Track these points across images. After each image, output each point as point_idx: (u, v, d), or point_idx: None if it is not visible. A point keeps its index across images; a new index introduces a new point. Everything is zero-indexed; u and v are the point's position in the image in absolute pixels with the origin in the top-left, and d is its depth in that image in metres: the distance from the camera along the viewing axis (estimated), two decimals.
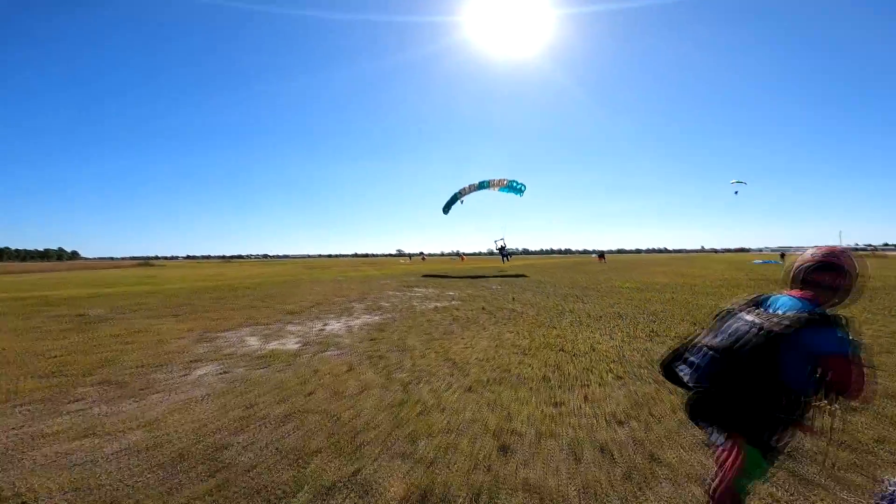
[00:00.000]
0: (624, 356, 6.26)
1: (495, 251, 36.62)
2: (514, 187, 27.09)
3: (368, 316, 10.60)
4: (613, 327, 8.51)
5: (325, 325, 9.23)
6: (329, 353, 6.70)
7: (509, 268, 37.47)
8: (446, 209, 30.03)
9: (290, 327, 8.87)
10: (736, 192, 43.33)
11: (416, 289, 18.30)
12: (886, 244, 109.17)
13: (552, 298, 13.52)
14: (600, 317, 9.74)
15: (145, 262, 65.17)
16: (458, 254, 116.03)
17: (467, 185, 28.67)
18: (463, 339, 7.79)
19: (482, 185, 27.81)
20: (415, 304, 13.05)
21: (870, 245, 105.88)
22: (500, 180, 27.26)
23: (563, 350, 6.74)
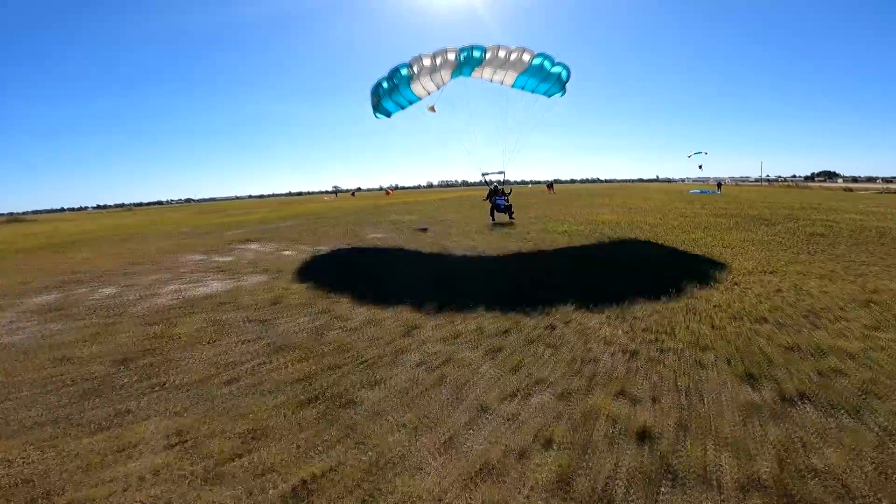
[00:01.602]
0: None
1: (486, 183, 15.63)
2: (545, 73, 10.72)
3: None
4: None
5: None
6: None
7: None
8: (380, 105, 11.42)
9: None
10: (700, 167, 43.36)
11: (250, 245, 11.77)
12: (794, 176, 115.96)
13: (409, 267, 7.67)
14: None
15: (14, 218, 51.21)
16: (387, 188, 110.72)
17: (428, 58, 10.53)
18: None
19: (470, 63, 10.68)
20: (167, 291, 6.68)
21: (779, 177, 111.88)
22: (514, 55, 10.61)
23: None
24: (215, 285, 6.83)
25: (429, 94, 11.21)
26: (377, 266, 8.25)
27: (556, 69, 10.72)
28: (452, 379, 3.33)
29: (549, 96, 11.34)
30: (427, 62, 10.70)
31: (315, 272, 7.65)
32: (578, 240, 10.28)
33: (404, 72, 10.74)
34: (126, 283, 7.23)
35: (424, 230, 13.24)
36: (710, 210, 17.28)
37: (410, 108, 11.69)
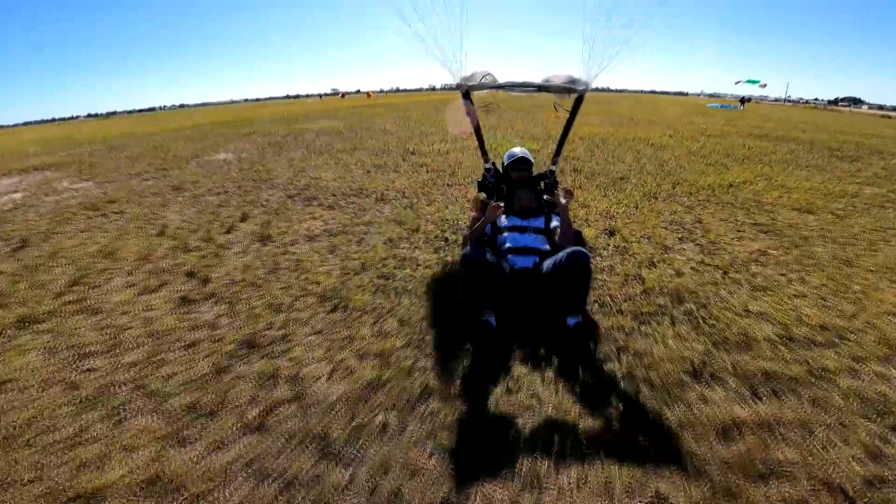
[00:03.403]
0: None
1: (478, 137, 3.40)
2: None
3: None
4: None
5: None
6: None
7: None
8: None
9: None
10: (742, 101, 37.54)
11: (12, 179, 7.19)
12: (817, 99, 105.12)
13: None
14: None
15: None
16: (368, 91, 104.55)
17: None
18: None
19: None
20: None
21: (801, 98, 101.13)
22: None
23: None
24: None
25: None
26: None
27: None
28: None
29: None
30: None
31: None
32: None
33: None
34: None
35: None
36: (741, 129, 12.37)
37: None
